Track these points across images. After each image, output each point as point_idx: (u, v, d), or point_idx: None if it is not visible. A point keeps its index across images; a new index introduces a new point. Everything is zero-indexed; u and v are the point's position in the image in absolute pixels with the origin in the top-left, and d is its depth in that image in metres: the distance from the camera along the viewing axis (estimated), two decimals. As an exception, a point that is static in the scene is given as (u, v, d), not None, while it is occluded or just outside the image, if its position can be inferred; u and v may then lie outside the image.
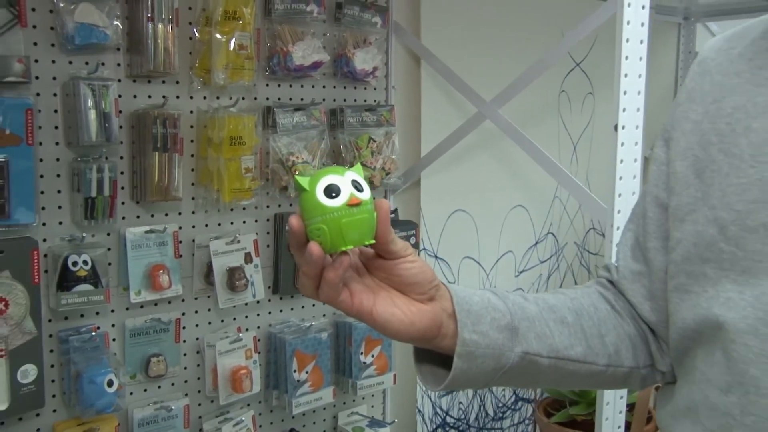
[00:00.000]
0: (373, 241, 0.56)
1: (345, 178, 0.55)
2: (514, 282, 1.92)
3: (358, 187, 0.54)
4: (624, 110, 1.13)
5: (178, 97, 1.26)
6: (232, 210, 1.35)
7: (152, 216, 1.26)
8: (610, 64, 1.14)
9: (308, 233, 0.55)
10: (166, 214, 1.28)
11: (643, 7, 1.12)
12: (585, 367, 0.68)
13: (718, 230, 0.60)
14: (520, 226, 1.91)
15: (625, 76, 1.11)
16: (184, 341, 1.33)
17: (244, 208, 1.35)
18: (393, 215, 1.55)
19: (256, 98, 1.35)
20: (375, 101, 1.52)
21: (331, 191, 0.54)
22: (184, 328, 1.33)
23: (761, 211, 0.59)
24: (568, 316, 0.69)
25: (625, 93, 1.12)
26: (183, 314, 1.32)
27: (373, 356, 1.53)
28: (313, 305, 1.50)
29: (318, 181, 0.54)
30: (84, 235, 1.18)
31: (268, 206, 1.40)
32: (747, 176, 0.61)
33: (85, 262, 1.17)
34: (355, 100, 1.50)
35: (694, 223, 0.63)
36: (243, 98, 1.32)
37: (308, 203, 0.54)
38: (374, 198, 0.56)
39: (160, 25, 1.16)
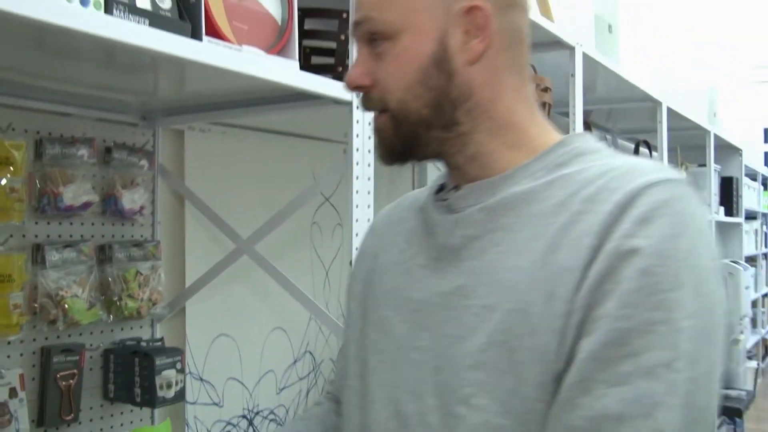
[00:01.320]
0: None
1: None
2: (276, 399, 2.07)
3: None
4: (356, 249, 1.37)
5: (-56, 237, 1.30)
6: (-4, 345, 1.37)
7: None
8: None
9: None
10: (-75, 353, 1.28)
11: (369, 165, 1.39)
12: None
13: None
14: (279, 346, 2.08)
15: (356, 221, 1.36)
16: (-63, 484, 1.30)
17: (9, 343, 1.38)
18: (159, 344, 1.65)
19: (25, 236, 1.41)
20: (142, 236, 1.65)
21: None
22: (-63, 470, 1.30)
23: (384, 340, 0.84)
24: None
25: (356, 235, 1.36)
26: (-62, 455, 1.30)
27: (139, 482, 1.58)
28: (78, 436, 1.53)
29: None
30: None
31: (34, 339, 1.44)
32: (379, 315, 0.86)
33: None
34: (123, 236, 1.61)
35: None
36: (12, 236, 1.38)
37: None
38: None
39: (-71, 171, 1.22)
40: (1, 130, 1.35)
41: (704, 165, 4.06)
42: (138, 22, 1.00)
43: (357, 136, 1.34)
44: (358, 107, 1.32)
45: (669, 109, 3.37)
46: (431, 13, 0.77)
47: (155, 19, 1.03)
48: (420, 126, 0.79)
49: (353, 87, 0.82)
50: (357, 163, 1.34)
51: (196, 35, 1.09)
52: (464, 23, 0.77)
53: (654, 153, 3.49)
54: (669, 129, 3.43)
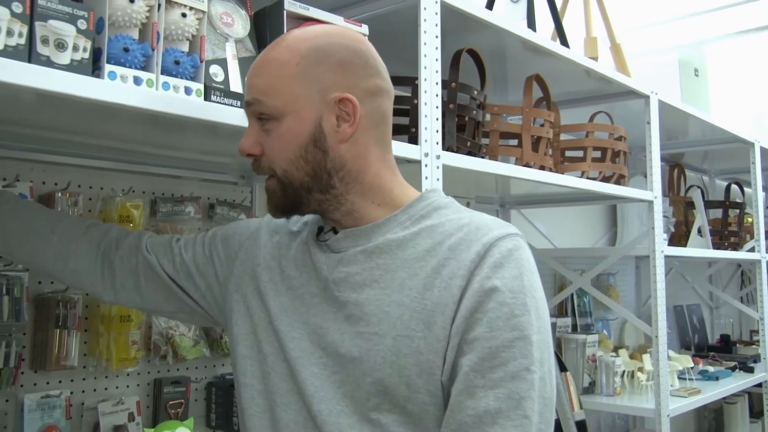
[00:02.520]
0: None
1: None
2: None
3: None
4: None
5: (76, 283, 1.53)
6: (118, 376, 1.59)
7: (48, 383, 1.49)
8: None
9: None
10: (60, 381, 1.51)
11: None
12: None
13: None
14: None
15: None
16: (68, 496, 1.52)
17: (128, 374, 1.60)
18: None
19: (141, 282, 1.64)
20: (241, 282, 1.85)
21: None
22: (69, 483, 1.52)
23: (281, 352, 0.99)
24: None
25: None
26: (69, 470, 1.52)
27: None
28: (185, 459, 1.72)
29: None
30: (-12, 401, 1.40)
31: (149, 372, 1.66)
32: (273, 326, 1.01)
33: (-15, 426, 1.37)
34: (224, 281, 1.81)
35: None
36: (131, 283, 1.61)
37: None
38: None
39: (66, 228, 1.46)
40: (124, 193, 1.59)
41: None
42: (231, 104, 1.19)
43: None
44: (426, 166, 1.48)
45: (764, 149, 3.33)
46: (310, 101, 0.95)
47: (246, 100, 1.22)
48: (302, 190, 0.97)
49: (245, 154, 0.99)
50: (424, 217, 1.48)
51: (280, 112, 1.28)
52: (336, 110, 0.95)
53: (748, 190, 3.44)
54: (765, 169, 3.39)
